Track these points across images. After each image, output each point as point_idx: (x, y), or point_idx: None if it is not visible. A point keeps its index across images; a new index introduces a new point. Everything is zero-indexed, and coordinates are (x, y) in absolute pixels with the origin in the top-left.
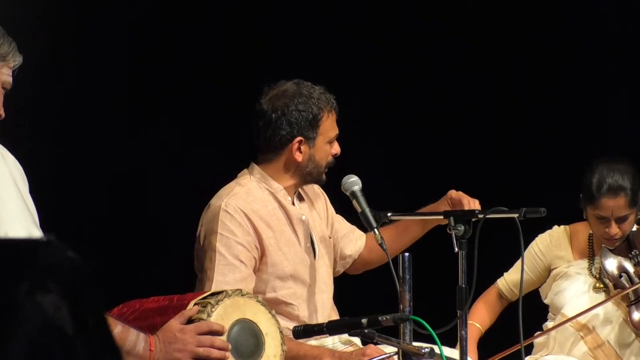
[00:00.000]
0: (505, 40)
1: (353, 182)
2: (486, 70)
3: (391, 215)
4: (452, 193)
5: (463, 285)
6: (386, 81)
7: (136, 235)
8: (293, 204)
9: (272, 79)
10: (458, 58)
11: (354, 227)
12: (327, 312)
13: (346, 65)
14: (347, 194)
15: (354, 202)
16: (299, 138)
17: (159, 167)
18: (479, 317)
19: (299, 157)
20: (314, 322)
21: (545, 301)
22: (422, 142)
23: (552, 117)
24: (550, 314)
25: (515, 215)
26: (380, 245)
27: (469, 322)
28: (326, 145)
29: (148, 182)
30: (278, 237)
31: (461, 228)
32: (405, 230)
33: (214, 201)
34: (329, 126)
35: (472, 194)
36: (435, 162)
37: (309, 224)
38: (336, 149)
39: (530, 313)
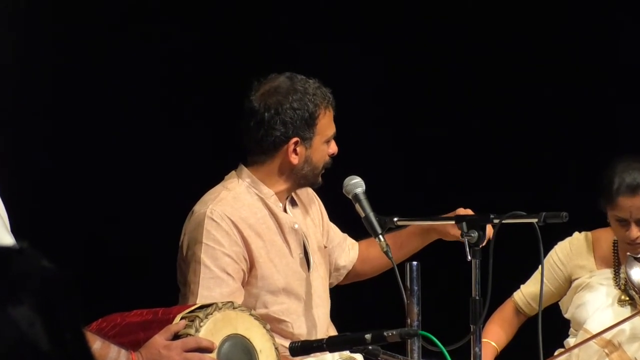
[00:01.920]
0: (521, 41)
1: (356, 184)
2: (503, 70)
3: (398, 221)
4: (461, 211)
5: (477, 298)
6: (393, 72)
7: (117, 243)
8: (285, 210)
9: (265, 72)
10: (474, 57)
11: (345, 235)
12: (323, 328)
13: (348, 57)
14: (349, 197)
15: (357, 206)
16: (294, 139)
17: (140, 169)
18: (495, 335)
19: (294, 159)
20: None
21: (566, 315)
22: (433, 141)
23: (575, 116)
24: (571, 329)
25: (534, 221)
26: (386, 253)
27: (484, 340)
28: (323, 145)
29: (129, 186)
30: (269, 247)
31: (474, 234)
32: (401, 246)
33: (198, 207)
34: (326, 124)
35: (488, 197)
36: (447, 163)
37: (302, 233)
38: (333, 148)
39: (550, 329)
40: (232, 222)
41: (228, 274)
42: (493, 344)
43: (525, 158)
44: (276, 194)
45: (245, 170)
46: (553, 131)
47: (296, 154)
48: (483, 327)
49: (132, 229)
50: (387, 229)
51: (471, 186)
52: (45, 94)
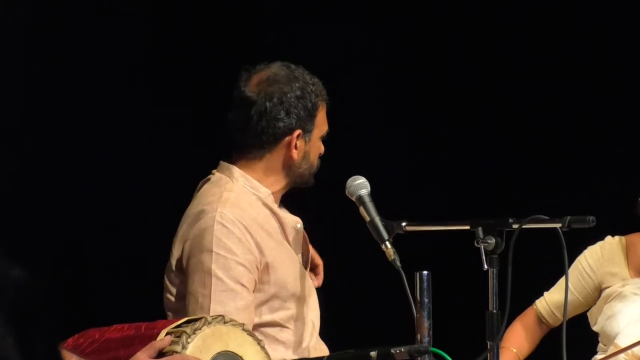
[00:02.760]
0: (547, 42)
1: (360, 185)
2: (525, 66)
3: (406, 226)
4: None
5: (494, 311)
6: (401, 66)
7: (95, 252)
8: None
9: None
10: (486, 55)
11: None
12: (315, 336)
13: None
14: (353, 199)
15: (361, 209)
16: (298, 131)
17: (119, 171)
18: (517, 342)
19: (295, 154)
20: (303, 347)
21: (595, 328)
22: (445, 139)
23: (604, 113)
24: (600, 344)
25: (558, 226)
26: (393, 262)
27: (505, 347)
28: (319, 141)
29: (107, 189)
30: (279, 248)
31: (492, 241)
32: None
33: (205, 211)
34: (322, 119)
35: (507, 199)
36: (461, 163)
37: (303, 233)
38: (322, 148)
39: (575, 343)
40: (244, 226)
41: (242, 285)
42: (514, 350)
43: (549, 156)
44: (272, 193)
45: (235, 170)
46: (580, 129)
47: (296, 148)
48: (504, 336)
49: (113, 233)
50: (395, 234)
51: (488, 188)
52: (20, 91)
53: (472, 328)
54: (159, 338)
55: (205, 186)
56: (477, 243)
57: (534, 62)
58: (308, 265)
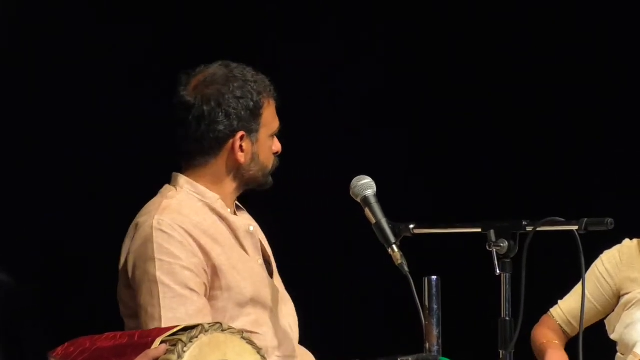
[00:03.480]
0: (558, 40)
1: (365, 186)
2: (538, 66)
3: (414, 228)
4: None
5: (507, 318)
6: (407, 63)
7: (86, 256)
8: (235, 214)
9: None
10: (495, 52)
11: None
12: (295, 339)
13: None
14: (358, 200)
15: (367, 211)
16: (240, 133)
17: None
18: (555, 338)
19: (241, 157)
20: (284, 352)
21: (613, 336)
22: (457, 138)
23: (621, 110)
24: (618, 353)
25: (575, 228)
26: (400, 266)
27: (543, 342)
28: (269, 140)
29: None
30: (229, 253)
31: (504, 244)
32: None
33: (142, 220)
34: (270, 116)
35: (521, 201)
36: (472, 162)
37: (258, 236)
38: (277, 146)
39: (593, 351)
40: (185, 230)
41: (191, 289)
42: (557, 342)
43: (565, 156)
44: (222, 198)
45: (181, 178)
46: (597, 128)
47: (242, 150)
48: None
49: (106, 236)
50: (402, 237)
51: (501, 189)
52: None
53: (483, 336)
54: (153, 346)
55: (153, 200)
56: (489, 247)
57: (535, 62)
58: (273, 269)
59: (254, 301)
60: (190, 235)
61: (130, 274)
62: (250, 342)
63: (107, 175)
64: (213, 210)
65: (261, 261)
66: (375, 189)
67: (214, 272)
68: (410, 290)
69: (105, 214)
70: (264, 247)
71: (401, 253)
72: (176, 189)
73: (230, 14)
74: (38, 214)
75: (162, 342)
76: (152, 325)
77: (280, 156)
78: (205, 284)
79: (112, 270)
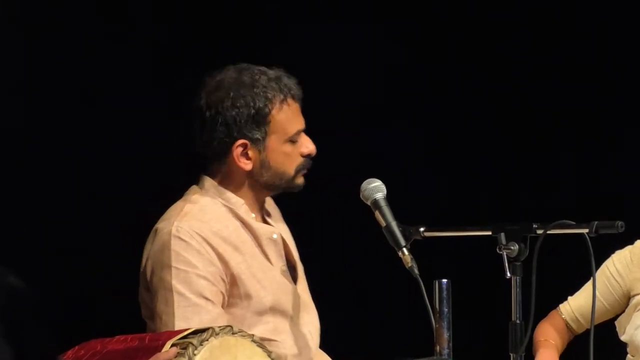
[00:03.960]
0: (575, 37)
1: (375, 189)
2: (550, 66)
3: (424, 231)
4: None
5: (517, 321)
6: (420, 62)
7: (97, 257)
8: (264, 220)
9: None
10: (508, 52)
11: None
12: (315, 348)
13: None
14: (368, 203)
15: (377, 214)
16: (240, 141)
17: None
18: (551, 336)
19: (245, 164)
20: None
21: (623, 338)
22: (465, 138)
23: (633, 111)
24: (629, 355)
25: (585, 231)
26: (411, 269)
27: (540, 339)
28: (285, 145)
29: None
30: (249, 261)
31: (515, 247)
32: None
33: (161, 226)
34: (284, 121)
35: (530, 203)
36: (482, 163)
37: (283, 243)
38: (307, 147)
39: (603, 351)
40: (203, 238)
41: (206, 298)
42: (552, 342)
43: (574, 158)
44: (247, 203)
45: (207, 180)
46: (608, 129)
47: (248, 158)
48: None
49: (116, 238)
50: (412, 240)
51: (510, 190)
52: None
53: (494, 339)
54: (164, 350)
55: (178, 202)
56: (500, 250)
57: (536, 62)
58: (297, 276)
59: (274, 309)
60: (209, 243)
61: (148, 279)
62: (261, 346)
63: (110, 176)
64: (236, 215)
65: (284, 267)
66: (385, 192)
67: (233, 281)
68: (420, 293)
69: (119, 216)
70: (290, 253)
71: (411, 256)
72: (201, 192)
73: (232, 12)
74: (46, 215)
75: (172, 345)
76: None
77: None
78: (222, 293)
79: (123, 273)
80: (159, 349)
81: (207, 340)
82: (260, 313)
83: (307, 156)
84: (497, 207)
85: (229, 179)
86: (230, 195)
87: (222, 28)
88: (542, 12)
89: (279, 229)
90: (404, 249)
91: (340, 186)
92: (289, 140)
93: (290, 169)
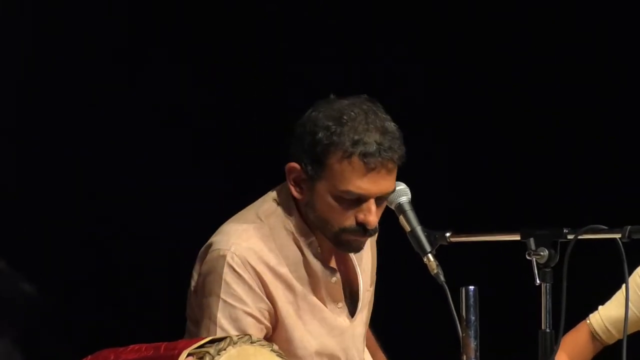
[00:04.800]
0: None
1: (399, 192)
2: (570, 69)
3: (450, 237)
4: None
5: (547, 330)
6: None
7: (112, 264)
8: (328, 257)
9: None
10: (532, 57)
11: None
12: None
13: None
14: (392, 207)
15: (401, 218)
16: (292, 164)
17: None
18: (567, 352)
19: (295, 192)
20: None
21: None
22: (495, 141)
23: None
24: None
25: (617, 236)
26: (437, 275)
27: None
28: (333, 198)
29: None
30: (300, 302)
31: (544, 253)
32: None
33: (218, 242)
34: (338, 174)
35: (560, 208)
36: (509, 167)
37: (347, 281)
38: (364, 215)
39: None
40: (257, 272)
41: None
42: None
43: (606, 162)
44: (317, 238)
45: (289, 198)
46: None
47: (300, 188)
48: None
49: (132, 244)
50: (438, 246)
51: (540, 195)
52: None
53: (523, 349)
54: (180, 359)
55: (253, 204)
56: (529, 255)
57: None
58: (357, 311)
59: (319, 354)
60: (261, 278)
61: (195, 292)
62: (281, 355)
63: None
64: (300, 249)
65: (342, 304)
66: (410, 196)
67: (277, 321)
68: (446, 300)
69: (136, 220)
70: (355, 286)
71: (437, 262)
72: (276, 210)
73: (233, 14)
74: (64, 220)
75: (188, 354)
76: None
77: None
78: (267, 328)
79: (137, 279)
80: (174, 358)
81: (225, 349)
82: (303, 358)
83: (362, 225)
84: (525, 212)
85: (296, 199)
86: (302, 226)
87: (219, 28)
88: (542, 12)
89: (364, 255)
90: (430, 255)
91: None
92: (336, 196)
93: (334, 224)
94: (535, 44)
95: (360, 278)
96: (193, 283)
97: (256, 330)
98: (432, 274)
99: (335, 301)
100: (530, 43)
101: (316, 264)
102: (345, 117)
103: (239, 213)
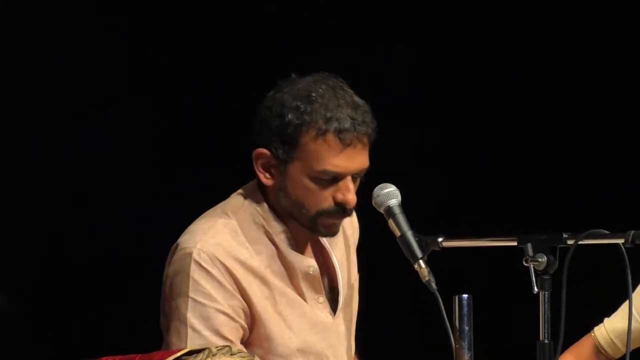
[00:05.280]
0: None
1: (389, 195)
2: (572, 68)
3: (443, 241)
4: None
5: (546, 341)
6: (434, 60)
7: (86, 273)
8: (313, 243)
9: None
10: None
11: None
12: None
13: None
14: (381, 210)
15: (391, 222)
16: (260, 150)
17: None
18: None
19: (265, 179)
20: None
21: None
22: (492, 141)
23: None
24: None
25: (620, 242)
26: (428, 283)
27: None
28: (308, 179)
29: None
30: (277, 297)
31: (543, 259)
32: None
33: (184, 241)
34: (313, 153)
35: (559, 211)
36: (509, 168)
37: (337, 271)
38: (343, 194)
39: None
40: (227, 268)
41: (224, 337)
42: None
43: (610, 161)
44: (290, 228)
45: (256, 192)
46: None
47: (270, 174)
48: None
49: (111, 257)
50: (430, 251)
51: (538, 198)
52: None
53: None
54: None
55: (220, 203)
56: (526, 262)
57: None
58: (338, 307)
59: (303, 352)
60: (232, 274)
61: (164, 297)
62: None
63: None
64: (273, 241)
65: (322, 299)
66: (399, 199)
67: (253, 319)
68: (438, 309)
69: (109, 228)
70: (334, 280)
71: (429, 269)
72: (243, 204)
73: (233, 13)
74: (35, 227)
75: None
76: None
77: None
78: (243, 327)
79: (110, 288)
80: None
81: None
82: (287, 356)
83: (340, 205)
84: (522, 216)
85: (264, 188)
86: (272, 216)
87: (220, 27)
88: (542, 12)
89: (339, 245)
90: (421, 261)
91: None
92: (312, 176)
93: (311, 207)
94: (535, 44)
95: (338, 269)
96: (163, 287)
97: (230, 329)
98: (424, 281)
99: (315, 293)
100: (531, 43)
101: (291, 254)
102: (314, 95)
103: (206, 212)
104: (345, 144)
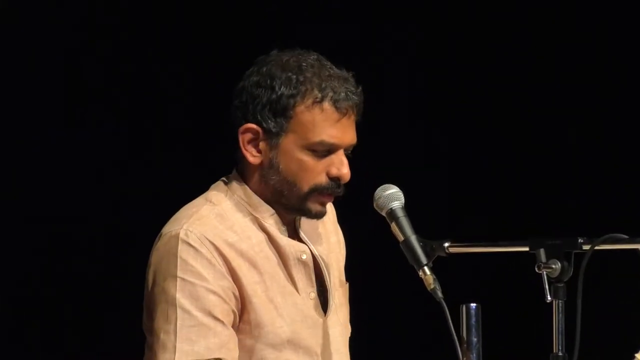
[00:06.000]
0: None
1: (392, 196)
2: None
3: (449, 247)
4: None
5: (560, 354)
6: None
7: (85, 276)
8: (295, 234)
9: None
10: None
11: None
12: None
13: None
14: (383, 213)
15: (393, 226)
16: (248, 125)
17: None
18: None
19: (253, 157)
20: None
21: None
22: (499, 142)
23: None
24: None
25: (639, 247)
26: (433, 291)
27: None
28: (302, 152)
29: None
30: (268, 283)
31: (556, 266)
32: None
33: (168, 228)
34: (309, 123)
35: (573, 214)
36: (519, 170)
37: (316, 264)
38: (337, 168)
39: None
40: (216, 247)
41: (215, 318)
42: None
43: (629, 160)
44: (277, 212)
45: (235, 180)
46: None
47: (258, 151)
48: None
49: (90, 260)
50: (436, 257)
51: (551, 200)
52: None
53: None
54: None
55: (198, 197)
56: (539, 268)
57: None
58: (330, 304)
59: (293, 344)
60: (221, 254)
61: (149, 288)
62: None
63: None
64: (262, 227)
65: (314, 294)
66: (403, 201)
67: (244, 304)
68: (445, 319)
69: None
70: (325, 277)
71: (434, 276)
72: (227, 190)
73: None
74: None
75: None
76: (164, 356)
77: None
78: (234, 312)
79: (95, 297)
80: None
81: None
82: (276, 347)
83: (335, 180)
84: (535, 221)
85: (246, 173)
86: (258, 201)
87: (219, 27)
88: (542, 12)
89: (322, 246)
90: (425, 268)
91: (350, 193)
92: (307, 148)
93: (303, 183)
94: (535, 43)
95: (322, 262)
96: (146, 283)
97: (222, 311)
98: (429, 289)
99: (307, 286)
100: (531, 43)
101: (283, 239)
102: (304, 65)
103: (184, 207)
104: (342, 113)
